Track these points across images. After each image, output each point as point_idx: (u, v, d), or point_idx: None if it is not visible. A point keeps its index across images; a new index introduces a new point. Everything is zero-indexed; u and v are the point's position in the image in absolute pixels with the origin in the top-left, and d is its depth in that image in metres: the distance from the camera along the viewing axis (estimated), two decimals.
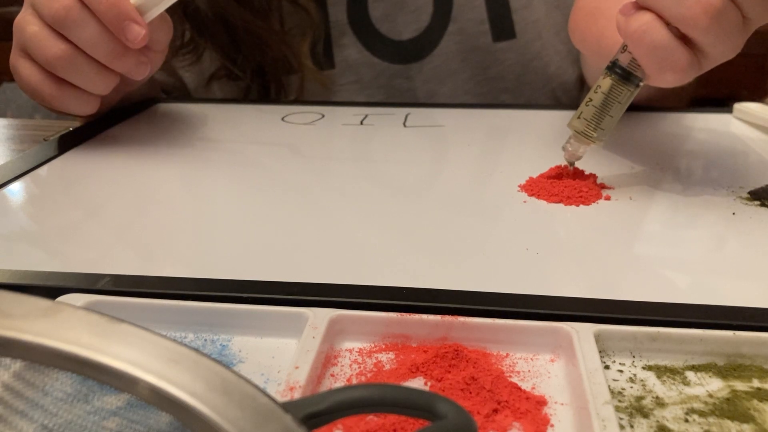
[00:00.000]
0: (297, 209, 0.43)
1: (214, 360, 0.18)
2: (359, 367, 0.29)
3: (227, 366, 0.18)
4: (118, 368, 0.18)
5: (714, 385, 0.28)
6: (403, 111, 0.65)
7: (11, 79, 0.54)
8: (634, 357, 0.29)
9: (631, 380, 0.28)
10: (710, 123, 0.61)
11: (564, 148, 0.46)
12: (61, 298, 0.31)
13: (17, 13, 0.52)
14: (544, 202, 0.44)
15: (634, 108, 0.60)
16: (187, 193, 0.48)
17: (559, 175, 0.47)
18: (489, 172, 0.50)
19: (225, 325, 0.31)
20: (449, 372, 0.28)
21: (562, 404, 0.27)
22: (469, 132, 0.60)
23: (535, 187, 0.45)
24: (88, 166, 0.51)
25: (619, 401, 0.27)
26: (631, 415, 0.26)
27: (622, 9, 0.40)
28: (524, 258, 0.36)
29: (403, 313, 0.30)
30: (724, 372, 0.28)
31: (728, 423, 0.25)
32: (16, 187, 0.48)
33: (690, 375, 0.28)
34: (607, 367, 0.29)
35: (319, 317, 0.30)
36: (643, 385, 0.28)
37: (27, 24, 0.50)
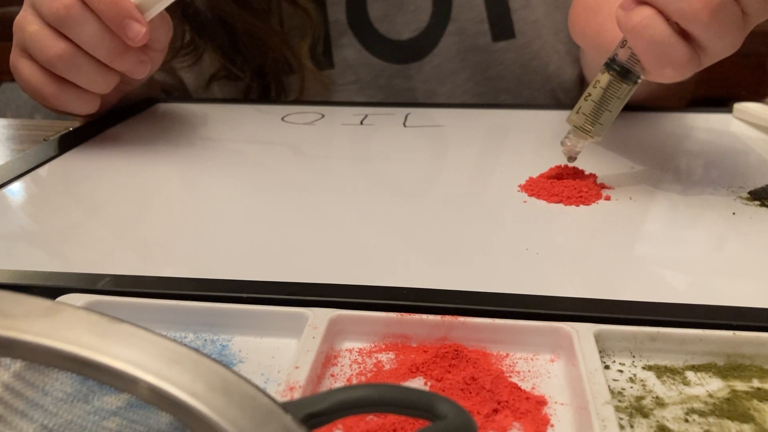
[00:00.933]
0: (297, 209, 0.43)
1: (214, 360, 0.18)
2: (359, 367, 0.29)
3: (227, 366, 0.18)
4: (118, 368, 0.18)
5: (714, 385, 0.28)
6: (402, 111, 0.65)
7: (11, 79, 0.54)
8: (634, 357, 0.29)
9: (631, 380, 0.28)
10: (710, 123, 0.61)
11: (563, 143, 0.46)
12: (61, 298, 0.31)
13: (17, 12, 0.52)
14: (544, 202, 0.44)
15: (635, 108, 0.61)
16: (187, 193, 0.48)
17: (559, 175, 0.47)
18: (489, 172, 0.50)
19: (225, 325, 0.31)
20: (449, 372, 0.28)
21: (562, 404, 0.27)
22: (469, 132, 0.60)
23: (535, 187, 0.45)
24: (88, 166, 0.51)
25: (619, 401, 0.27)
26: (631, 415, 0.26)
27: (622, 4, 0.40)
28: (524, 258, 0.36)
29: (403, 313, 0.30)
30: (724, 372, 0.28)
31: (728, 423, 0.25)
32: (16, 187, 0.48)
33: (690, 375, 0.28)
34: (607, 367, 0.29)
35: (319, 317, 0.30)
36: (643, 385, 0.28)
37: (27, 23, 0.50)
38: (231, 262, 0.36)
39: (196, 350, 0.18)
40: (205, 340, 0.31)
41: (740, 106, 0.61)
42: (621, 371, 0.28)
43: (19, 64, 0.52)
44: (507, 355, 0.29)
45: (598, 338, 0.29)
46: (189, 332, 0.31)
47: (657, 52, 0.39)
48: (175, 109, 0.67)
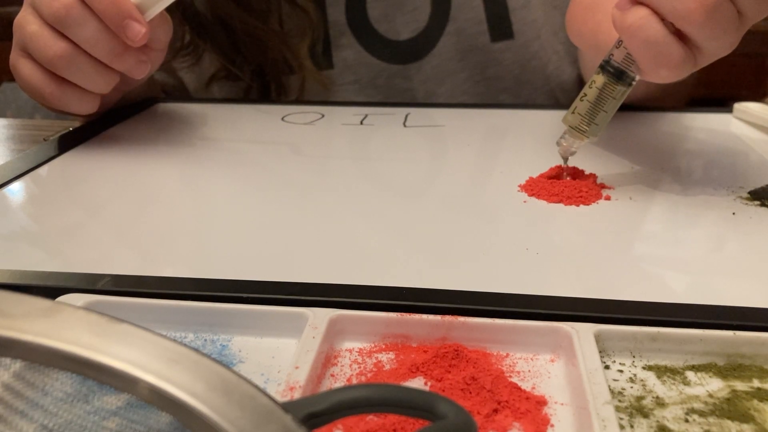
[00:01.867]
0: (297, 209, 0.43)
1: (214, 360, 0.18)
2: (359, 367, 0.29)
3: (227, 366, 0.18)
4: (118, 368, 0.18)
5: (714, 385, 0.28)
6: (402, 111, 0.65)
7: (11, 79, 0.54)
8: (634, 357, 0.29)
9: (631, 380, 0.28)
10: (710, 123, 0.61)
11: (558, 143, 0.46)
12: (61, 298, 0.31)
13: (17, 12, 0.52)
14: (544, 202, 0.44)
15: (635, 108, 0.61)
16: (187, 193, 0.48)
17: (559, 175, 0.47)
18: (489, 172, 0.50)
19: (225, 325, 0.31)
20: (449, 372, 0.28)
21: (562, 404, 0.27)
22: (469, 132, 0.60)
23: (535, 187, 0.45)
24: (88, 166, 0.51)
25: (619, 401, 0.27)
26: (631, 415, 0.26)
27: (618, 4, 0.40)
28: (524, 258, 0.36)
29: (403, 313, 0.30)
30: (724, 372, 0.28)
31: (728, 423, 0.25)
32: (16, 187, 0.48)
33: (690, 375, 0.28)
34: (607, 367, 0.29)
35: (319, 317, 0.30)
36: (643, 385, 0.28)
37: (27, 23, 0.50)
38: (231, 262, 0.36)
39: (196, 350, 0.18)
40: (205, 340, 0.31)
41: (740, 106, 0.61)
42: (621, 371, 0.28)
43: (19, 63, 0.52)
44: (507, 355, 0.29)
45: (598, 338, 0.29)
46: (189, 332, 0.31)
47: (652, 52, 0.39)
48: (175, 109, 0.67)
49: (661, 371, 0.28)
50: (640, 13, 0.39)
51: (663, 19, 0.39)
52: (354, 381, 0.28)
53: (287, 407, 0.18)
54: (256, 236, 0.40)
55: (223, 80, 0.73)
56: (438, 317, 0.30)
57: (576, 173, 0.47)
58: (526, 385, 0.27)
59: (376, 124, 0.61)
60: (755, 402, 0.27)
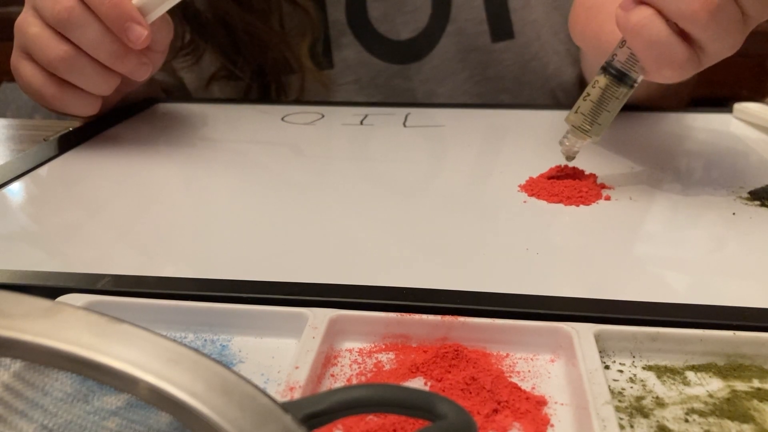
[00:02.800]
0: (297, 209, 0.43)
1: (214, 360, 0.18)
2: (359, 367, 0.29)
3: (227, 366, 0.18)
4: (118, 368, 0.18)
5: (714, 385, 0.28)
6: (403, 111, 0.65)
7: (11, 79, 0.54)
8: (634, 357, 0.29)
9: (631, 380, 0.28)
10: (710, 123, 0.61)
11: (561, 143, 0.46)
12: (61, 298, 0.31)
13: (17, 13, 0.52)
14: (544, 202, 0.44)
15: (635, 108, 0.61)
16: (187, 193, 0.48)
17: (559, 175, 0.47)
18: (489, 172, 0.50)
19: (225, 325, 0.31)
20: (449, 372, 0.28)
21: (562, 404, 0.27)
22: (469, 132, 0.60)
23: (535, 187, 0.45)
24: (88, 166, 0.51)
25: (619, 401, 0.27)
26: (631, 415, 0.26)
27: (621, 4, 0.40)
28: (524, 258, 0.36)
29: (403, 313, 0.30)
30: (724, 372, 0.28)
31: (728, 423, 0.25)
32: (16, 187, 0.48)
33: (690, 375, 0.28)
34: (607, 367, 0.29)
35: (319, 317, 0.30)
36: (643, 385, 0.28)
37: (28, 25, 0.50)
38: (231, 262, 0.36)
39: (196, 350, 0.18)
40: (205, 340, 0.31)
41: (740, 106, 0.61)
42: (621, 371, 0.28)
43: (20, 65, 0.52)
44: (507, 355, 0.29)
45: (598, 338, 0.29)
46: (189, 332, 0.31)
47: (656, 52, 0.39)
48: (175, 109, 0.67)
49: (661, 371, 0.28)
50: (644, 13, 0.39)
51: (667, 19, 0.39)
52: (354, 381, 0.28)
53: (287, 407, 0.18)
54: (255, 236, 0.40)
55: (223, 80, 0.73)
56: (438, 317, 0.30)
57: (576, 173, 0.47)
58: (526, 385, 0.28)
59: (376, 124, 0.61)
60: (755, 402, 0.27)
